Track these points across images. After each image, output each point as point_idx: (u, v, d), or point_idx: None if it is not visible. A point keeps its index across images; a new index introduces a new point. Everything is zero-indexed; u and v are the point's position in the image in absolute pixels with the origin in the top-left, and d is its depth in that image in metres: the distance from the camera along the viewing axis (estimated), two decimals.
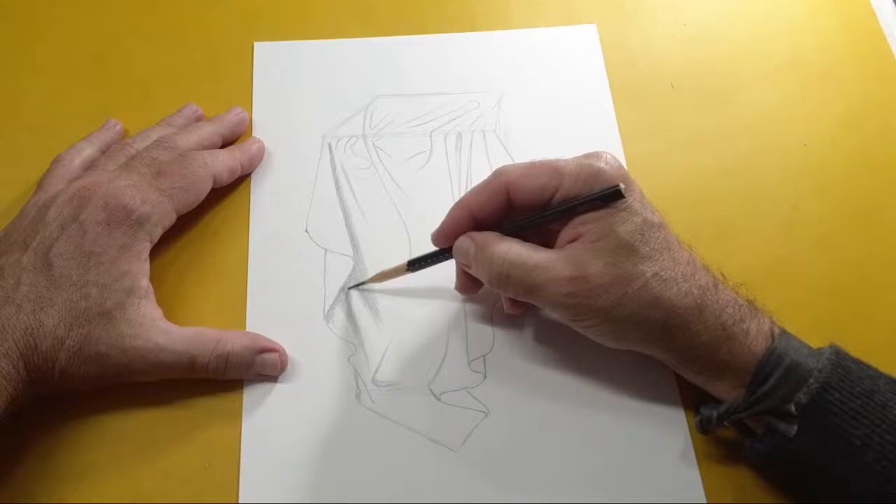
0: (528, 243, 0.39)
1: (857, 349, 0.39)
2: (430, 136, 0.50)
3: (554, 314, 0.39)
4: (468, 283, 0.43)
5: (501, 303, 0.44)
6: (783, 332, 0.39)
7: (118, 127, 0.49)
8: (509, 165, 0.39)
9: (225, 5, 0.56)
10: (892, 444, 0.35)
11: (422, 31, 0.55)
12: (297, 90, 0.52)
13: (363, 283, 0.45)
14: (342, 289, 0.45)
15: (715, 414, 0.39)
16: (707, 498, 0.40)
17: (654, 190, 0.48)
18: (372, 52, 0.54)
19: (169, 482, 0.40)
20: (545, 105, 0.52)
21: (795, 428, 0.36)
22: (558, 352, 0.43)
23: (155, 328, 0.40)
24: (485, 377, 0.43)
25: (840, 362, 0.37)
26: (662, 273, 0.37)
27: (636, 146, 0.50)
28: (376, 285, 0.45)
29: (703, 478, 0.40)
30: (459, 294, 0.45)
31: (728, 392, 0.39)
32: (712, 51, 0.54)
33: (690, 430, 0.41)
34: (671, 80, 0.53)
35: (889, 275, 0.47)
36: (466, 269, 0.41)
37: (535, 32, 0.55)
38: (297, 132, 0.50)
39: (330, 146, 0.50)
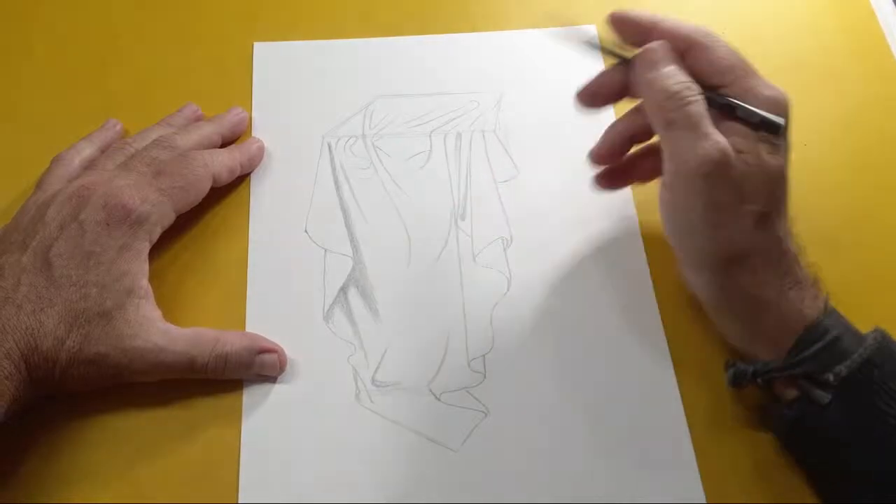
0: None
1: None
2: (430, 136, 0.50)
3: (671, 166, 0.38)
4: (601, 94, 0.43)
5: (599, 148, 0.44)
6: (835, 311, 0.39)
7: (118, 127, 0.49)
8: (710, 31, 0.40)
9: (225, 5, 0.56)
10: None
11: (422, 32, 0.55)
12: (297, 90, 0.52)
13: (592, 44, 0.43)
14: (342, 287, 0.45)
15: (751, 369, 0.39)
16: (707, 498, 0.40)
17: (655, 190, 0.48)
18: (372, 52, 0.54)
19: (169, 482, 0.40)
20: (545, 105, 0.52)
21: (829, 396, 0.36)
22: (558, 351, 0.43)
23: (154, 328, 0.40)
24: (484, 377, 0.43)
25: (885, 344, 0.38)
26: (769, 215, 0.38)
27: (636, 146, 0.50)
28: (375, 282, 0.45)
29: (702, 478, 0.40)
30: (458, 292, 0.45)
31: (765, 353, 0.39)
32: None
33: (691, 430, 0.41)
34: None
35: (889, 275, 0.47)
36: (644, 74, 0.39)
37: (535, 33, 0.55)
38: (296, 132, 0.50)
39: (329, 146, 0.50)
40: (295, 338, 0.43)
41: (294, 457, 0.40)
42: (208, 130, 0.48)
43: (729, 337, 0.41)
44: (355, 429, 0.41)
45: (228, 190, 0.48)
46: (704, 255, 0.39)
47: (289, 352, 0.43)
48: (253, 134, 0.50)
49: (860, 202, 0.49)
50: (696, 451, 0.41)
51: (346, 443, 0.41)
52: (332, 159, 0.49)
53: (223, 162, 0.46)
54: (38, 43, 0.54)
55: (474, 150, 0.50)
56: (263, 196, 0.48)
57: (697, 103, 0.38)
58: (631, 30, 0.41)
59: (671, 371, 0.43)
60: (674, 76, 0.38)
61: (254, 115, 0.51)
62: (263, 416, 0.41)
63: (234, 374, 0.42)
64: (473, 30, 0.55)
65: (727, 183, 0.37)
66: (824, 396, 0.37)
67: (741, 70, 0.39)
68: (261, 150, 0.49)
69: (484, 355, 0.43)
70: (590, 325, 0.44)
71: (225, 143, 0.49)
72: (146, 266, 0.42)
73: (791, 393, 0.38)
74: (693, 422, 0.41)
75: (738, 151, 0.37)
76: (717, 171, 0.37)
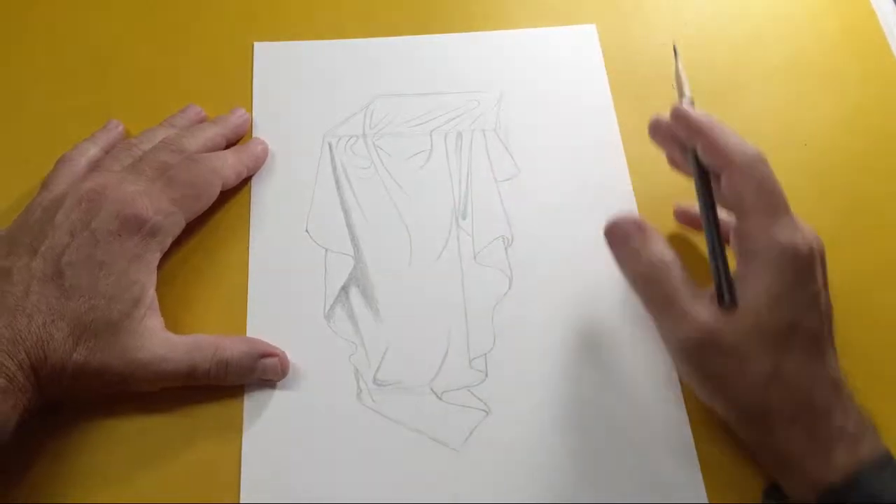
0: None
1: (857, 349, 0.40)
2: (431, 135, 0.50)
3: (667, 345, 0.38)
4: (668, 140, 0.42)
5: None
6: (880, 463, 0.35)
7: (120, 128, 0.49)
8: (750, 149, 0.38)
9: (225, 5, 0.56)
10: None
11: (422, 31, 0.55)
12: (297, 90, 0.52)
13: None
14: (343, 287, 0.45)
15: None
16: (708, 498, 0.40)
17: (655, 190, 0.48)
18: (372, 52, 0.54)
19: (171, 482, 0.40)
20: (545, 105, 0.52)
21: None
22: (560, 350, 0.43)
23: (157, 339, 0.40)
24: (486, 376, 0.43)
25: None
26: (779, 371, 0.35)
27: (637, 146, 0.50)
28: (376, 282, 0.45)
29: (704, 478, 0.40)
30: (460, 291, 0.45)
31: (798, 489, 0.36)
32: (712, 51, 0.54)
33: (692, 430, 0.41)
34: (672, 80, 0.53)
35: (890, 274, 0.47)
36: (614, 248, 0.39)
37: (535, 33, 0.55)
38: (297, 132, 0.50)
39: (330, 146, 0.50)
40: (296, 337, 0.43)
41: (295, 456, 0.40)
42: (213, 133, 0.48)
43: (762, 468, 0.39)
44: (356, 428, 0.41)
45: (230, 190, 0.48)
46: (724, 410, 0.38)
47: (290, 351, 0.43)
48: (253, 134, 0.50)
49: (860, 202, 0.49)
50: (697, 450, 0.41)
51: (347, 442, 0.41)
52: (332, 159, 0.49)
53: (232, 166, 0.46)
54: (38, 43, 0.54)
55: (475, 149, 0.50)
56: (264, 196, 0.48)
57: (668, 280, 0.37)
58: (680, 132, 0.41)
59: (673, 371, 0.43)
60: (641, 254, 0.38)
61: (254, 114, 0.51)
62: (264, 415, 0.41)
63: (236, 379, 0.41)
64: (474, 29, 0.55)
65: (718, 355, 0.36)
66: None
67: (751, 204, 0.37)
68: (265, 152, 0.49)
69: (485, 354, 0.43)
70: (591, 324, 0.44)
71: (228, 145, 0.49)
72: (154, 276, 0.42)
73: None
74: (695, 421, 0.41)
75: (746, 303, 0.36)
76: (701, 350, 0.36)
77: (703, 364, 0.36)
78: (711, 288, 0.38)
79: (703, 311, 0.36)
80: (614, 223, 0.39)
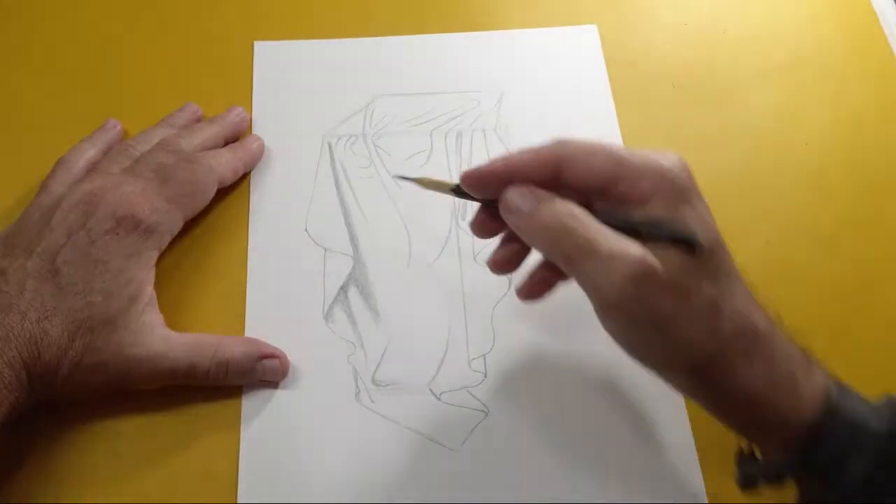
0: None
1: (857, 349, 0.40)
2: (430, 135, 0.50)
3: (594, 296, 0.33)
4: (489, 227, 0.37)
5: (497, 258, 0.38)
6: (840, 389, 0.34)
7: (118, 127, 0.49)
8: (571, 140, 0.34)
9: (225, 5, 0.55)
10: None
11: (422, 31, 0.54)
12: (297, 90, 0.52)
13: (407, 178, 0.39)
14: (342, 286, 0.45)
15: (760, 474, 0.34)
16: (708, 498, 0.40)
17: None
18: (372, 51, 0.53)
19: (169, 484, 0.40)
20: (546, 105, 0.52)
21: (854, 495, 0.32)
22: (559, 351, 0.43)
23: (155, 336, 0.40)
24: (485, 376, 0.43)
25: None
26: (721, 302, 0.32)
27: (637, 146, 0.50)
28: (375, 282, 0.45)
29: (704, 478, 0.40)
30: (459, 291, 0.45)
31: (770, 447, 0.34)
32: (713, 50, 0.54)
33: (692, 429, 0.41)
34: (672, 80, 0.53)
35: (890, 274, 0.47)
36: (510, 220, 0.35)
37: (536, 32, 0.55)
38: (296, 131, 0.50)
39: (330, 145, 0.50)
40: (295, 337, 0.43)
41: (293, 456, 0.40)
42: (211, 132, 0.48)
43: (731, 428, 0.35)
44: (355, 428, 0.41)
45: (229, 189, 0.48)
46: (670, 366, 0.34)
47: (288, 351, 0.43)
48: (253, 133, 0.50)
49: (860, 201, 0.49)
50: (697, 450, 0.41)
51: (346, 442, 0.41)
52: (332, 158, 0.49)
53: (228, 163, 0.46)
54: (37, 43, 0.54)
55: (475, 149, 0.50)
56: (263, 195, 0.48)
57: (581, 225, 0.32)
58: (491, 183, 0.35)
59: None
60: (544, 210, 0.33)
61: (254, 114, 0.51)
62: (263, 415, 0.41)
63: (236, 380, 0.41)
64: (474, 29, 0.55)
65: (661, 291, 0.31)
66: (843, 499, 0.32)
67: (611, 171, 0.33)
68: (261, 148, 0.49)
69: (484, 355, 0.43)
70: (591, 324, 0.44)
71: (226, 144, 0.49)
72: (152, 274, 0.42)
73: (813, 485, 0.34)
74: (695, 421, 0.41)
75: (658, 252, 0.32)
76: (641, 287, 0.31)
77: (644, 305, 0.32)
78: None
79: (633, 247, 0.32)
80: (506, 195, 0.34)
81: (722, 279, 0.33)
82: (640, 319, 0.32)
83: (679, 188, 0.33)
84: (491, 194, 0.35)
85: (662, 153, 0.34)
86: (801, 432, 0.33)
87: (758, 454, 0.35)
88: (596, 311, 0.34)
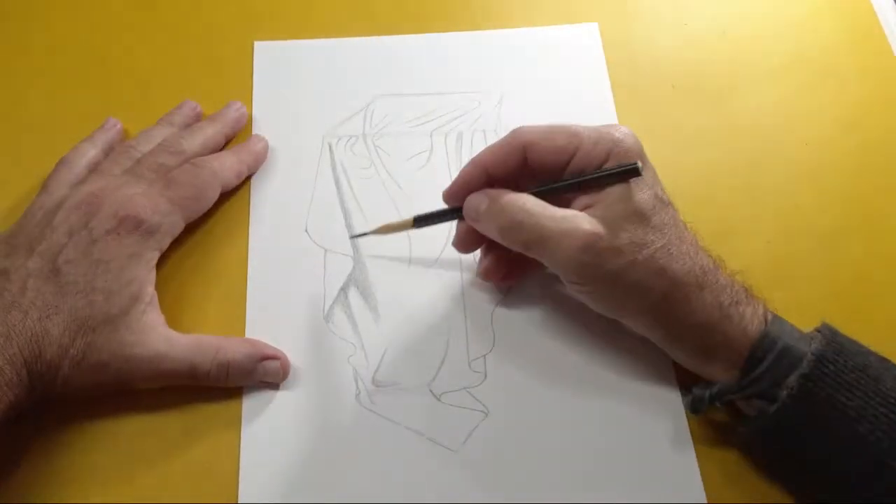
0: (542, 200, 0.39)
1: None
2: (431, 135, 0.50)
3: (557, 271, 0.39)
4: (468, 239, 0.43)
5: (484, 267, 0.43)
6: (776, 317, 0.39)
7: (118, 126, 0.49)
8: (526, 126, 0.40)
9: (225, 5, 0.55)
10: (886, 416, 0.35)
11: (422, 31, 0.54)
12: (297, 90, 0.52)
13: (365, 234, 0.45)
14: (342, 287, 0.45)
15: (707, 394, 0.39)
16: (707, 498, 0.40)
17: None
18: (372, 51, 0.53)
19: (169, 484, 0.40)
20: (546, 104, 0.52)
21: (786, 408, 0.36)
22: (559, 351, 0.43)
23: (156, 335, 0.40)
24: (485, 377, 0.43)
25: (834, 338, 0.38)
26: (669, 247, 0.38)
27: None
28: (376, 282, 0.45)
29: (703, 478, 0.40)
30: (459, 292, 0.45)
31: (721, 374, 0.39)
32: (713, 50, 0.54)
33: (692, 431, 0.41)
34: (672, 80, 0.53)
35: (890, 274, 0.47)
36: (474, 225, 0.41)
37: (537, 32, 0.55)
38: (297, 132, 0.50)
39: (330, 146, 0.50)
40: (295, 338, 0.43)
41: (294, 457, 0.40)
42: (212, 131, 0.48)
43: (683, 364, 0.41)
44: (355, 429, 0.41)
45: (229, 191, 0.48)
46: (632, 310, 0.39)
47: (288, 352, 0.43)
48: (254, 133, 0.50)
49: (860, 201, 0.49)
50: (696, 450, 0.41)
51: (346, 443, 0.41)
52: (332, 159, 0.49)
53: (232, 167, 0.46)
54: (37, 42, 0.54)
55: (475, 149, 0.50)
56: (264, 196, 0.48)
57: (529, 217, 0.38)
58: (468, 191, 0.41)
59: (671, 370, 0.43)
60: (496, 209, 0.39)
61: (254, 114, 0.51)
62: (263, 416, 0.41)
63: (237, 381, 0.42)
64: (475, 29, 0.55)
65: (610, 252, 0.37)
66: (780, 409, 0.37)
67: (569, 141, 0.39)
68: (265, 149, 0.49)
69: (484, 355, 0.43)
70: (590, 324, 0.44)
71: (227, 140, 0.49)
72: (153, 274, 0.42)
73: (752, 409, 0.39)
74: (694, 422, 0.41)
75: (613, 203, 0.38)
76: (595, 254, 0.37)
77: (598, 267, 0.37)
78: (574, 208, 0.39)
79: (579, 222, 0.37)
80: (466, 201, 0.40)
81: (668, 230, 0.38)
82: (598, 279, 0.38)
83: (630, 151, 0.38)
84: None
85: (613, 125, 0.40)
86: (744, 353, 0.38)
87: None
88: (562, 280, 0.40)
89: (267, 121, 0.51)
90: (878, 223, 0.48)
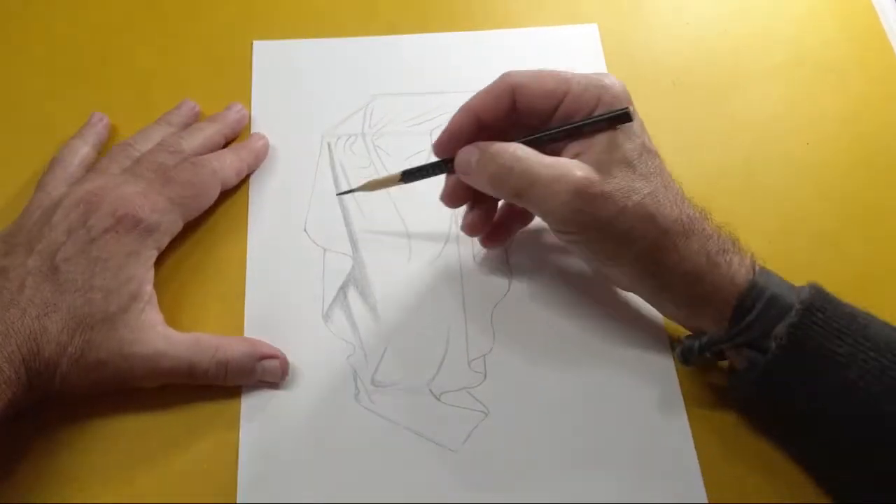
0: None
1: None
2: (430, 134, 0.50)
3: (547, 219, 0.39)
4: (456, 194, 0.43)
5: (469, 221, 0.43)
6: (764, 269, 0.39)
7: (105, 120, 0.49)
8: (515, 70, 0.40)
9: (224, 4, 0.55)
10: (875, 360, 0.36)
11: (421, 30, 0.54)
12: (297, 89, 0.52)
13: (352, 191, 0.45)
14: (342, 287, 0.45)
15: (696, 344, 0.39)
16: (708, 498, 0.40)
17: None
18: (371, 50, 0.53)
19: (168, 484, 0.40)
20: None
21: (776, 357, 0.37)
22: (558, 351, 0.43)
23: (155, 333, 0.40)
24: (485, 377, 0.43)
25: (822, 292, 0.38)
26: (657, 194, 0.38)
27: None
28: (375, 282, 0.45)
29: (704, 478, 0.40)
30: (458, 292, 0.45)
31: (709, 324, 0.39)
32: (714, 49, 0.54)
33: (693, 430, 0.41)
34: (673, 79, 0.53)
35: (890, 274, 0.46)
36: (465, 179, 0.41)
37: (537, 32, 0.55)
38: (296, 131, 0.50)
39: (329, 145, 0.50)
40: (294, 338, 0.43)
41: (293, 457, 0.40)
42: (212, 131, 0.48)
43: (673, 318, 0.41)
44: (354, 429, 0.41)
45: (228, 190, 0.48)
46: (620, 258, 0.39)
47: (287, 351, 0.43)
48: (253, 132, 0.50)
49: (862, 201, 0.49)
50: (697, 451, 0.41)
51: (345, 443, 0.41)
52: (331, 158, 0.49)
53: (232, 165, 0.46)
54: (36, 42, 0.54)
55: None
56: (263, 195, 0.48)
57: (519, 161, 0.38)
58: (458, 140, 0.41)
59: (673, 369, 0.43)
60: (488, 158, 0.39)
61: (253, 113, 0.51)
62: (262, 416, 0.41)
63: (235, 380, 0.41)
64: (474, 28, 0.55)
65: (601, 198, 0.37)
66: (770, 360, 0.37)
67: (558, 85, 0.39)
68: (265, 148, 0.49)
69: (484, 355, 0.43)
70: (590, 324, 0.44)
71: (227, 141, 0.49)
72: (152, 272, 0.42)
73: (742, 361, 0.39)
74: (695, 420, 0.41)
75: (602, 151, 0.38)
76: (585, 199, 0.37)
77: (588, 213, 0.37)
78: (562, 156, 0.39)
79: (573, 167, 0.37)
80: (457, 155, 0.40)
81: (655, 178, 0.38)
82: (587, 225, 0.38)
83: (619, 97, 0.38)
84: (466, 142, 0.40)
85: (603, 73, 0.40)
86: (732, 302, 0.38)
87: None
88: (551, 228, 0.40)
89: (266, 120, 0.51)
90: (878, 223, 0.48)
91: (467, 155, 0.40)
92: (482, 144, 0.39)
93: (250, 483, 0.40)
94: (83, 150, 0.46)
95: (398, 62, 0.53)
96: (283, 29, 0.54)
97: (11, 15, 0.55)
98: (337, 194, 0.46)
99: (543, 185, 0.37)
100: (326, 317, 0.44)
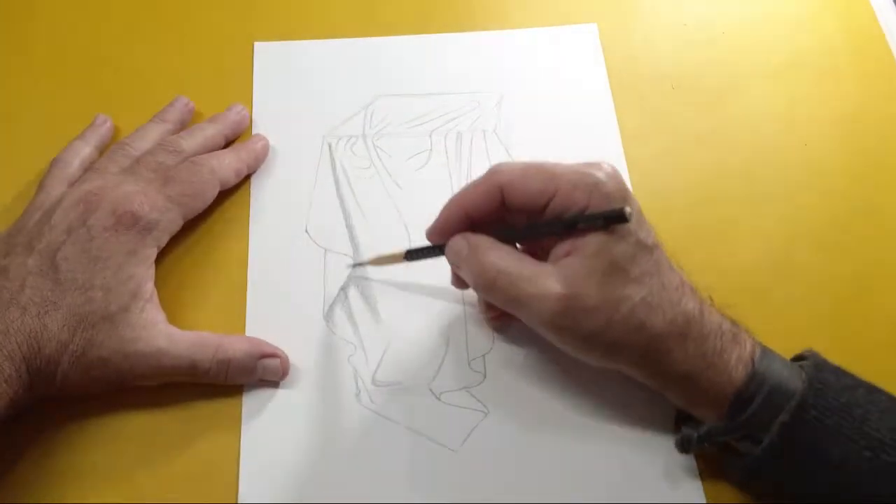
0: (521, 253, 0.38)
1: (857, 349, 0.40)
2: (431, 135, 0.50)
3: (536, 330, 0.38)
4: (461, 280, 0.42)
5: (481, 307, 0.43)
6: (764, 355, 0.38)
7: (108, 123, 0.49)
8: (505, 165, 0.38)
9: (225, 5, 0.55)
10: (869, 460, 0.35)
11: (422, 31, 0.55)
12: (297, 90, 0.52)
13: (362, 264, 0.45)
14: (343, 287, 0.45)
15: (695, 435, 0.38)
16: (706, 498, 0.40)
17: (655, 190, 0.48)
18: (372, 51, 0.53)
19: (169, 483, 0.40)
20: (546, 105, 0.52)
21: (769, 452, 0.36)
22: (558, 352, 0.43)
23: (157, 332, 0.40)
24: (485, 377, 0.43)
25: (818, 376, 0.37)
26: (650, 298, 0.36)
27: (637, 146, 0.50)
28: (375, 282, 0.45)
29: (702, 478, 0.40)
30: (458, 291, 0.45)
31: (709, 415, 0.38)
32: (713, 50, 0.54)
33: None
34: (672, 80, 0.53)
35: (890, 274, 0.46)
36: (456, 270, 0.40)
37: (536, 32, 0.55)
38: (297, 132, 0.50)
39: (330, 146, 0.50)
40: (295, 338, 0.43)
41: (293, 456, 0.40)
42: (212, 132, 0.48)
43: (671, 400, 0.40)
44: (355, 428, 0.41)
45: (229, 190, 0.48)
46: (611, 363, 0.38)
47: (289, 351, 0.43)
48: (254, 133, 0.50)
49: (860, 202, 0.49)
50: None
51: (346, 442, 0.41)
52: (332, 159, 0.49)
53: (230, 165, 0.46)
54: (36, 42, 0.54)
55: (475, 149, 0.50)
56: (264, 196, 0.48)
57: (505, 281, 0.37)
58: (449, 231, 0.39)
59: None
60: (473, 267, 0.38)
61: (254, 115, 0.51)
62: (263, 415, 0.41)
63: (237, 379, 0.41)
64: (474, 29, 0.55)
65: (585, 313, 0.36)
66: (760, 456, 0.36)
67: (547, 184, 0.37)
68: (265, 148, 0.49)
69: (484, 355, 0.43)
70: None
71: (227, 142, 0.49)
72: (152, 271, 0.42)
73: (743, 447, 0.38)
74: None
75: (590, 256, 0.36)
76: (570, 315, 0.36)
77: (573, 328, 0.36)
78: (550, 262, 0.37)
79: (552, 284, 0.36)
80: (447, 245, 0.39)
81: (650, 279, 0.36)
82: (574, 337, 0.37)
83: (610, 195, 0.36)
84: (456, 232, 0.39)
85: (595, 164, 0.37)
86: (729, 399, 0.37)
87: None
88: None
89: (267, 121, 0.51)
90: (878, 223, 0.48)
91: (457, 248, 0.39)
92: (472, 240, 0.38)
93: (250, 483, 0.40)
94: (84, 151, 0.46)
95: (399, 63, 0.53)
96: (284, 30, 0.54)
97: (12, 15, 0.55)
98: (348, 266, 0.45)
99: (526, 303, 0.36)
100: (327, 317, 0.44)
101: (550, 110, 0.51)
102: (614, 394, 0.42)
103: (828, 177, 0.50)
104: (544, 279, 0.36)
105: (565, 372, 0.43)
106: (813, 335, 0.39)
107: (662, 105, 0.52)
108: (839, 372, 0.38)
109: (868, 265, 0.47)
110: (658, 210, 0.46)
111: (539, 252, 0.39)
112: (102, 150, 0.48)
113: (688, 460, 0.40)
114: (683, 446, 0.39)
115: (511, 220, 0.39)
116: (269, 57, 0.53)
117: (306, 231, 0.47)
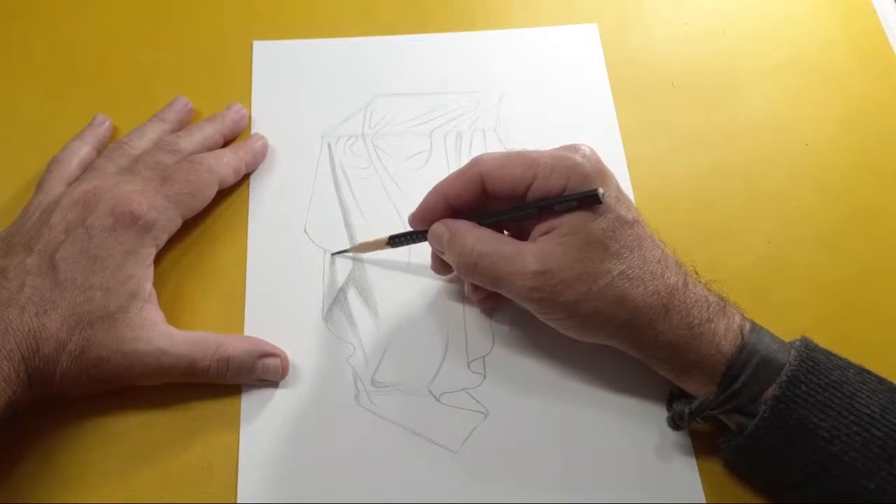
0: (500, 234, 0.39)
1: (857, 348, 0.39)
2: (430, 135, 0.50)
3: (522, 305, 0.39)
4: (441, 265, 0.43)
5: (468, 290, 0.43)
6: (753, 328, 0.38)
7: (107, 123, 0.49)
8: (486, 155, 0.39)
9: (224, 4, 0.55)
10: (859, 435, 0.35)
11: (422, 31, 0.54)
12: (297, 89, 0.52)
13: (345, 252, 0.46)
14: (342, 287, 0.45)
15: (686, 410, 0.39)
16: (706, 497, 0.40)
17: (655, 189, 0.48)
18: (371, 51, 0.53)
19: (167, 483, 0.40)
20: (546, 104, 0.52)
21: (760, 426, 0.36)
22: (557, 352, 0.43)
23: (156, 331, 0.40)
24: (484, 378, 0.43)
25: (809, 354, 0.37)
26: (629, 271, 0.37)
27: (637, 146, 0.50)
28: (375, 283, 0.45)
29: (702, 477, 0.40)
30: (458, 293, 0.45)
31: (699, 389, 0.38)
32: (713, 50, 0.54)
33: (690, 430, 0.41)
34: (672, 80, 0.53)
35: (890, 274, 0.46)
36: (439, 254, 0.41)
37: (536, 32, 0.55)
38: (296, 132, 0.50)
39: (329, 146, 0.50)
40: (294, 338, 0.43)
41: (293, 457, 0.40)
42: (210, 131, 0.48)
43: (666, 377, 0.40)
44: (354, 429, 0.41)
45: (228, 190, 0.48)
46: (592, 334, 0.39)
47: (288, 352, 0.43)
48: (253, 133, 0.50)
49: (861, 201, 0.49)
50: (695, 451, 0.41)
51: (345, 443, 0.41)
52: (331, 159, 0.49)
53: (229, 164, 0.46)
54: (36, 41, 0.54)
55: (475, 149, 0.50)
56: (263, 196, 0.48)
57: (484, 261, 0.38)
58: (431, 217, 0.41)
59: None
60: (454, 250, 0.39)
61: (253, 114, 0.51)
62: (262, 416, 0.41)
63: (236, 378, 0.41)
64: (474, 28, 0.55)
65: (563, 286, 0.37)
66: (756, 426, 0.36)
67: (526, 170, 0.38)
68: (264, 148, 0.49)
69: (483, 356, 0.43)
70: None
71: (226, 142, 0.49)
72: (151, 270, 0.42)
73: (734, 423, 0.38)
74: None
75: (567, 234, 0.37)
76: (547, 288, 0.37)
77: (552, 300, 0.37)
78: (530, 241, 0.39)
79: (529, 261, 0.37)
80: (429, 231, 0.41)
81: (632, 252, 0.37)
82: (554, 309, 0.38)
83: (587, 176, 0.37)
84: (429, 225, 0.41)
85: (573, 146, 0.39)
86: (720, 369, 0.37)
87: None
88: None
89: (266, 120, 0.51)
90: (878, 223, 0.48)
91: (438, 234, 0.40)
92: (452, 226, 0.40)
93: (250, 483, 0.40)
94: (83, 151, 0.46)
95: (398, 63, 0.53)
96: (283, 29, 0.54)
97: (12, 15, 0.55)
98: (332, 254, 0.46)
99: (506, 280, 0.38)
100: (327, 317, 0.44)
101: (550, 110, 0.51)
102: (614, 395, 0.42)
103: (828, 176, 0.50)
104: (522, 258, 0.38)
105: (565, 373, 0.43)
106: (813, 335, 0.39)
107: (662, 105, 0.52)
108: (830, 354, 0.38)
109: (868, 265, 0.47)
110: (658, 210, 0.47)
111: (526, 237, 0.39)
112: (101, 149, 0.48)
113: (687, 460, 0.40)
114: (675, 422, 0.40)
115: (494, 209, 0.40)
116: (268, 56, 0.53)
117: (305, 231, 0.47)
